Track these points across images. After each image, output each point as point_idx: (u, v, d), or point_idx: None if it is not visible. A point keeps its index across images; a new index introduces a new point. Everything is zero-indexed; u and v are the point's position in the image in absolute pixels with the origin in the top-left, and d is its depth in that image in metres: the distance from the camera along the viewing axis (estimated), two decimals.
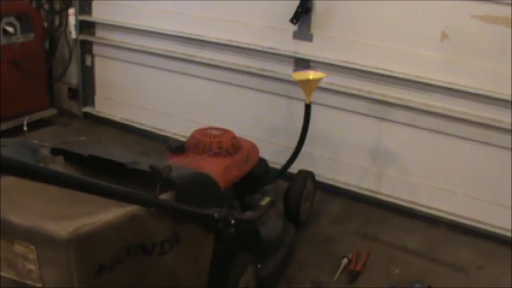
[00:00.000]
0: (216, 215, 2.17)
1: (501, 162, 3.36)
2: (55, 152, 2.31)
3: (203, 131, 2.86)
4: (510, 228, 3.41)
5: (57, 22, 4.77)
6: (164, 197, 2.03)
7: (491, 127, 3.31)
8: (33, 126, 4.53)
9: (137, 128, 4.63)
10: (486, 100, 3.28)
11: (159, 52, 4.32)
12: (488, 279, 3.15)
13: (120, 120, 4.73)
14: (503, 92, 3.22)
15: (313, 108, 3.14)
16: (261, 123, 4.02)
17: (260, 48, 3.86)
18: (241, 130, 3.04)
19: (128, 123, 4.69)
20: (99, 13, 4.59)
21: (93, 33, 4.67)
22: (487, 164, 3.43)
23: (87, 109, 4.91)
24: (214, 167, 2.60)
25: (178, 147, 2.76)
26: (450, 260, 3.26)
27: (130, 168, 2.07)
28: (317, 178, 3.56)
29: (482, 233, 3.48)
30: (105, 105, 4.85)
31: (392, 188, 3.72)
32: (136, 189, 1.90)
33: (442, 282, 3.01)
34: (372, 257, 3.20)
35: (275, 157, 3.52)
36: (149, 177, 2.02)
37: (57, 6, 4.72)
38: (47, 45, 4.70)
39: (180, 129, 4.20)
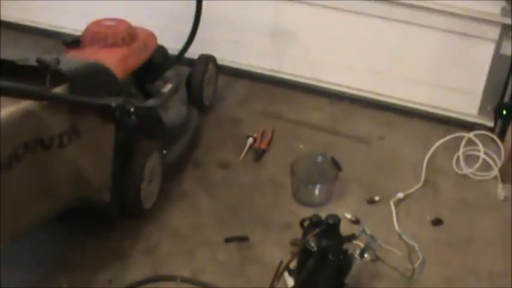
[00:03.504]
0: (113, 104, 2.19)
1: (394, 33, 3.46)
2: None
3: (98, 23, 2.81)
4: (408, 98, 3.58)
5: None
6: (58, 90, 2.03)
7: None
8: None
9: (34, 28, 4.45)
10: None
11: None
12: (388, 147, 3.31)
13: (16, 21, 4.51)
14: None
15: None
16: (159, 11, 3.93)
17: None
18: (138, 19, 2.99)
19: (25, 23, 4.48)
20: None
21: None
22: (382, 36, 3.51)
23: None
24: (111, 57, 2.59)
25: (73, 41, 2.72)
26: (352, 132, 3.40)
27: (22, 66, 2.05)
28: (219, 62, 3.57)
29: (382, 105, 3.63)
30: None
31: (293, 66, 3.78)
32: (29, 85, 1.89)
33: (344, 153, 3.13)
34: (277, 135, 3.30)
35: (177, 44, 3.49)
36: (41, 73, 2.01)
37: None
38: None
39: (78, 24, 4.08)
